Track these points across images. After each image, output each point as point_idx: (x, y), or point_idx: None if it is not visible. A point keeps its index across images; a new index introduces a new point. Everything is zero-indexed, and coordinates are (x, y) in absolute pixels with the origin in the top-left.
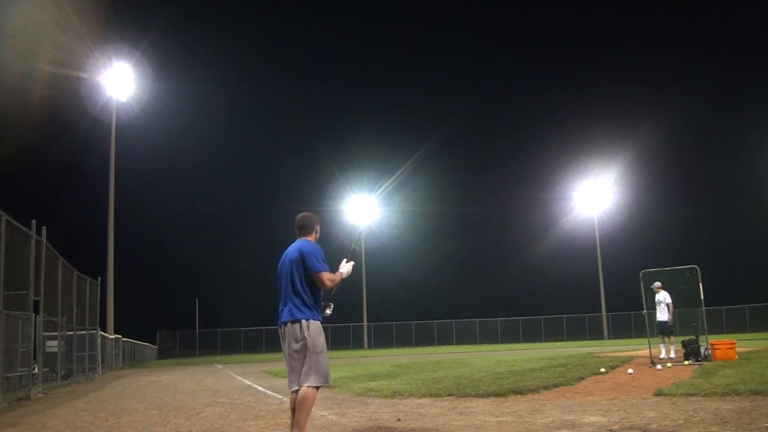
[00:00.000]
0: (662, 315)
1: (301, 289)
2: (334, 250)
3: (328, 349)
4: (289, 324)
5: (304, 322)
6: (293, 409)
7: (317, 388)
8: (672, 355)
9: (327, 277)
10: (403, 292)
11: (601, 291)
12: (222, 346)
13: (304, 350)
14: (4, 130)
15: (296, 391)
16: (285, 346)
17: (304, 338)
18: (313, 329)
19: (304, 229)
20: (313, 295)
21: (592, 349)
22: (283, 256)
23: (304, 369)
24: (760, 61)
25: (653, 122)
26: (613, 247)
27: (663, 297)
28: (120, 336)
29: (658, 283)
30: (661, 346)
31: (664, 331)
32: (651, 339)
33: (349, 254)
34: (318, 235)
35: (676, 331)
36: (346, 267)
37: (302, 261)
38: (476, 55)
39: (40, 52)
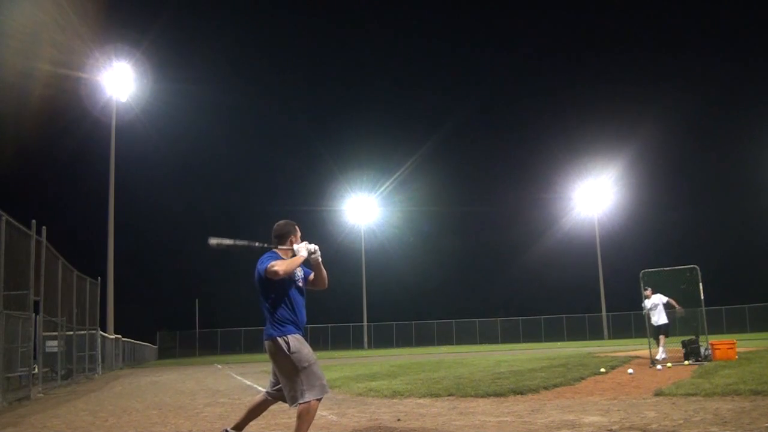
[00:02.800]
0: (661, 318)
1: (264, 307)
2: (334, 250)
3: (328, 349)
4: (267, 342)
5: (279, 340)
6: (255, 406)
7: (317, 399)
8: (664, 355)
9: (275, 266)
10: (403, 292)
11: (601, 291)
12: (222, 346)
13: (292, 370)
14: (4, 130)
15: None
16: (270, 361)
17: (286, 357)
18: (294, 345)
19: (280, 239)
20: (275, 308)
21: (592, 349)
22: None
23: (296, 387)
24: (761, 60)
25: (653, 122)
26: (613, 247)
27: (659, 299)
28: (120, 336)
29: (648, 289)
30: (660, 348)
31: (660, 332)
32: (651, 339)
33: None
34: (296, 242)
35: (677, 331)
36: (301, 246)
37: (258, 276)
38: (476, 55)
39: (40, 52)
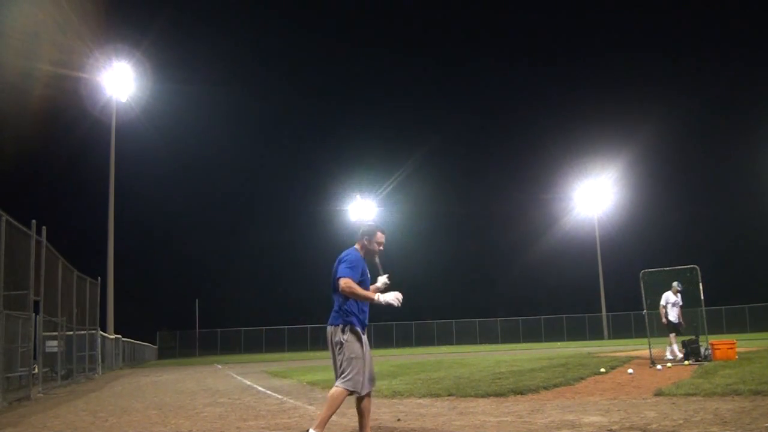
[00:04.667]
0: (675, 317)
1: (335, 296)
2: (336, 250)
3: (330, 349)
4: (328, 327)
5: (341, 326)
6: (358, 410)
7: (348, 390)
8: (680, 354)
9: (344, 282)
10: (404, 292)
11: (601, 291)
12: (222, 346)
13: (341, 353)
14: (4, 130)
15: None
16: (328, 346)
17: (341, 343)
18: (350, 335)
19: (356, 236)
20: (345, 301)
21: (592, 349)
22: None
23: (343, 369)
24: (760, 61)
25: (653, 122)
26: (613, 247)
27: (679, 298)
28: (120, 336)
29: (677, 284)
30: (674, 346)
31: (676, 330)
32: (651, 339)
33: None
34: (369, 247)
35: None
36: (384, 296)
37: (335, 270)
38: (476, 56)
39: (40, 52)
